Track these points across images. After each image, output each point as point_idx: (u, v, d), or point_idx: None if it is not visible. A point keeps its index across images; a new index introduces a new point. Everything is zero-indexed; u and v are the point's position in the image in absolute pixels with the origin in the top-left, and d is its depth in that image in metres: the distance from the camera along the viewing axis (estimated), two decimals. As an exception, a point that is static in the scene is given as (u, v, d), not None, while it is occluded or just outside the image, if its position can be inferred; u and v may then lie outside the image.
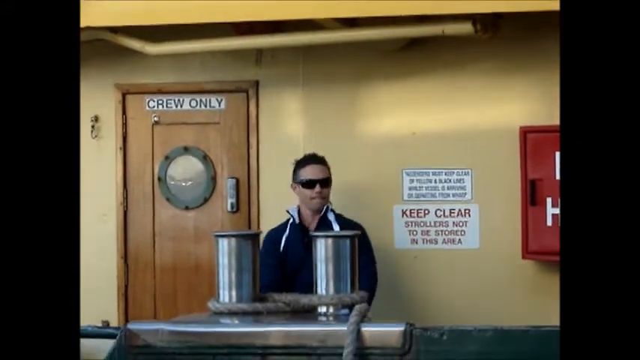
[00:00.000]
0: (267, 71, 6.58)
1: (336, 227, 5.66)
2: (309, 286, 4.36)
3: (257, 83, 6.59)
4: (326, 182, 5.75)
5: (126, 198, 6.77)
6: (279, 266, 5.64)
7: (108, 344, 4.18)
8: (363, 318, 3.97)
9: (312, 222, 5.76)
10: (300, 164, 5.82)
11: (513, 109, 6.24)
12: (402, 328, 3.82)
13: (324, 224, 5.69)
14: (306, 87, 6.52)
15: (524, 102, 6.26)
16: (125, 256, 6.77)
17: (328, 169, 5.81)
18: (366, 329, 3.87)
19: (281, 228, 5.81)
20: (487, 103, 6.31)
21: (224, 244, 4.32)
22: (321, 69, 6.51)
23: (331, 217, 5.75)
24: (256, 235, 4.46)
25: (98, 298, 6.63)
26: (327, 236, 4.36)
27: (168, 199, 6.75)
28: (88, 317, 6.07)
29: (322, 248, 4.27)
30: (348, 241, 4.30)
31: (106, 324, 6.56)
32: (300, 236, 5.70)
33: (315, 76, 6.51)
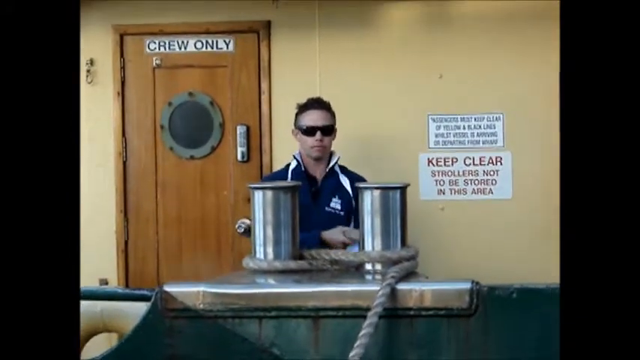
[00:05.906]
0: (280, 11, 6.14)
1: (343, 180, 5.32)
2: None
3: (269, 24, 6.17)
4: (328, 130, 5.33)
5: (125, 147, 6.35)
6: None
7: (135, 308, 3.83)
8: (411, 276, 3.63)
9: (316, 171, 5.38)
10: (302, 109, 5.40)
11: (548, 49, 5.89)
12: (467, 287, 3.45)
13: (332, 176, 5.35)
14: (322, 28, 6.10)
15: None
16: (125, 209, 6.35)
17: (333, 116, 5.37)
18: (427, 288, 3.48)
19: (282, 173, 5.44)
20: (519, 43, 5.96)
21: (260, 197, 3.93)
22: (339, 9, 6.08)
23: (337, 168, 5.38)
24: (296, 188, 4.07)
25: (96, 255, 6.27)
26: (375, 187, 3.93)
27: (171, 149, 6.33)
28: (86, 276, 5.67)
29: (369, 200, 3.87)
30: (397, 193, 3.91)
31: (105, 282, 6.29)
32: (306, 184, 5.28)
33: (332, 16, 6.09)
